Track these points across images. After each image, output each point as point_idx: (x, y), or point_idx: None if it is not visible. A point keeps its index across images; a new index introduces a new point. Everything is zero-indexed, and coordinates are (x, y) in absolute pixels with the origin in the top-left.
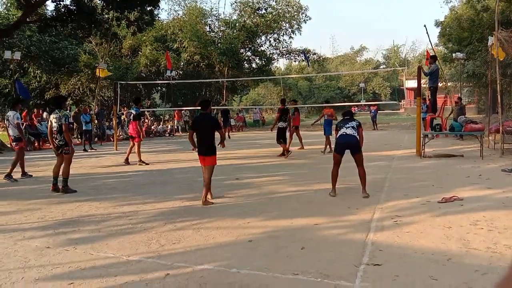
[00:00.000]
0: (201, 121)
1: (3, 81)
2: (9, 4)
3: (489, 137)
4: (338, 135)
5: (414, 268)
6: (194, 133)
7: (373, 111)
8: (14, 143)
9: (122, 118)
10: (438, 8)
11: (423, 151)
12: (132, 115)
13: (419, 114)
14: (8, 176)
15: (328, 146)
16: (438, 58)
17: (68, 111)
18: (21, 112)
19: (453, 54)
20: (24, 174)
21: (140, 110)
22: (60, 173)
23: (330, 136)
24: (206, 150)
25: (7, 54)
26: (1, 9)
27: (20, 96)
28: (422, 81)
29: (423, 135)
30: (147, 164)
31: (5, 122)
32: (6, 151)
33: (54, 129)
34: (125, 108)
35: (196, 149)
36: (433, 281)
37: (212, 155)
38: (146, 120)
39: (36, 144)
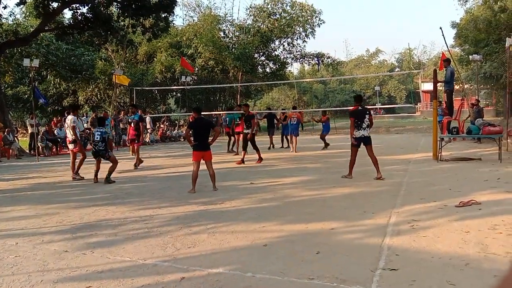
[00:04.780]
0: (199, 124)
1: (22, 88)
2: (28, 13)
3: (508, 140)
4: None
5: (431, 273)
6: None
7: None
8: (71, 145)
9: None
10: (453, 11)
11: (440, 154)
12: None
13: (435, 117)
14: (76, 174)
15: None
16: (452, 61)
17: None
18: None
19: (470, 56)
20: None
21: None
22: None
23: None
24: (206, 146)
25: (26, 62)
26: (20, 18)
27: (40, 102)
28: (438, 84)
29: (440, 138)
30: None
31: (64, 124)
32: (25, 157)
33: (97, 139)
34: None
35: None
36: (450, 286)
37: (209, 150)
38: (162, 126)
39: (54, 149)
